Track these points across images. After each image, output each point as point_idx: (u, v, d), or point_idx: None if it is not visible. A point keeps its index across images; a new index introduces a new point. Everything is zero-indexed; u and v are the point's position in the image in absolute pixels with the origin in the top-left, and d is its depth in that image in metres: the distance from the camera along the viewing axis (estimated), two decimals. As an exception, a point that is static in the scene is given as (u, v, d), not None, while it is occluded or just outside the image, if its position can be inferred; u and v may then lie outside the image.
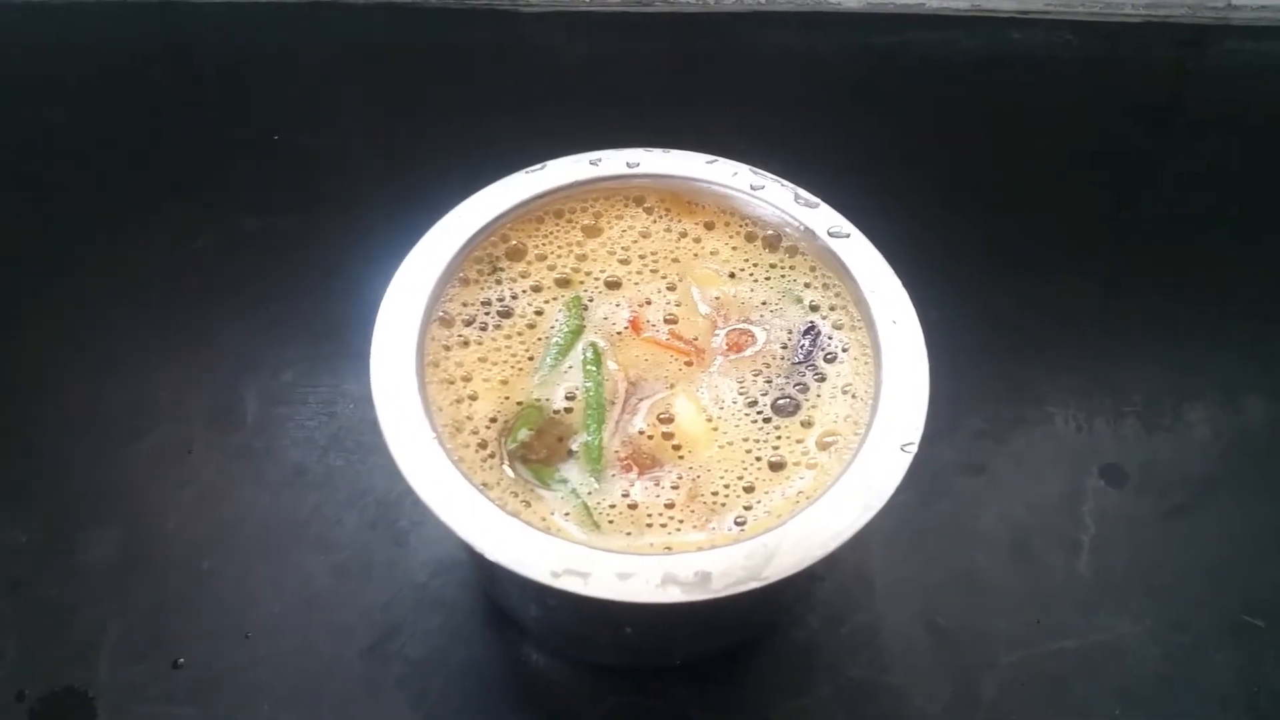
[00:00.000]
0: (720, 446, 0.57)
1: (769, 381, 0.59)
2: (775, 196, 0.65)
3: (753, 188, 0.65)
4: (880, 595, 0.70)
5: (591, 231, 0.65)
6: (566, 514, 0.54)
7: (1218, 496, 0.76)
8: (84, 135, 1.00)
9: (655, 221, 0.66)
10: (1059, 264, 0.92)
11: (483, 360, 0.59)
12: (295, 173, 0.96)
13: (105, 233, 0.90)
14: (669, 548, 0.52)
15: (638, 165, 0.66)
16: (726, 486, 0.55)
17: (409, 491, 0.51)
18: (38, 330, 0.83)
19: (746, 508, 0.54)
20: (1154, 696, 0.67)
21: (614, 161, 0.66)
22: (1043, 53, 1.12)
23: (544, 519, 0.53)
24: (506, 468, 0.55)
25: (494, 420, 0.57)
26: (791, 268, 0.64)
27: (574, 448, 0.56)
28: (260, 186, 0.95)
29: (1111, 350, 0.85)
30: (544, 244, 0.65)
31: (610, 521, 0.54)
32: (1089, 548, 0.73)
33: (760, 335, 0.61)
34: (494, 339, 0.60)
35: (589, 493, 0.55)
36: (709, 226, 0.66)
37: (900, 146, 1.02)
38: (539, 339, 0.60)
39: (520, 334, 0.61)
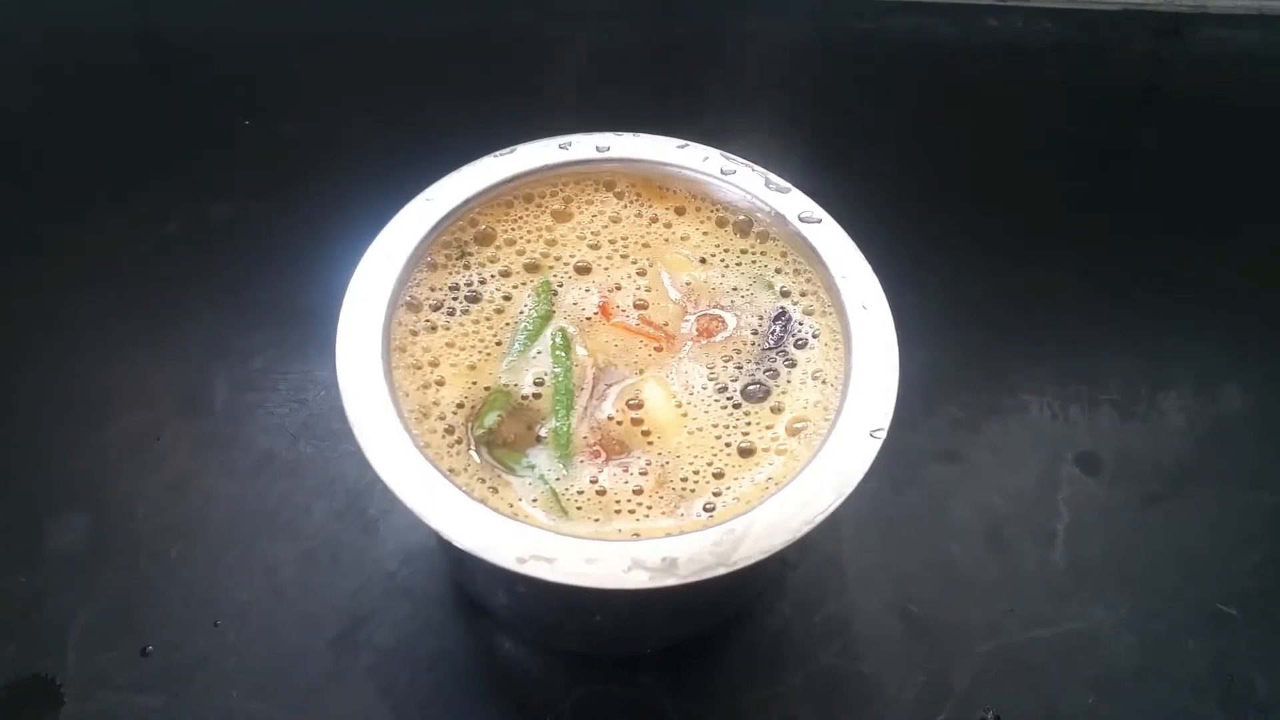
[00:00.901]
0: (690, 432, 0.56)
1: (739, 367, 0.59)
2: (746, 181, 0.64)
3: (724, 172, 0.64)
4: (853, 583, 0.70)
5: (561, 216, 0.65)
6: (534, 500, 0.53)
7: (1193, 485, 0.76)
8: (51, 120, 1.00)
9: (625, 206, 0.66)
10: (1035, 252, 0.91)
11: (450, 345, 0.59)
12: (265, 158, 0.96)
13: (73, 218, 0.89)
14: (637, 534, 0.52)
15: (608, 149, 0.65)
16: (696, 473, 0.55)
17: (379, 480, 0.51)
18: (3, 316, 0.82)
19: (715, 494, 0.54)
20: (1128, 685, 0.67)
21: (584, 145, 0.65)
22: (1020, 40, 1.12)
23: (511, 505, 0.53)
24: (473, 453, 0.55)
25: (461, 406, 0.56)
26: (762, 253, 0.64)
27: (542, 434, 0.56)
28: (230, 172, 0.95)
29: (1087, 339, 0.85)
30: (513, 228, 0.64)
31: (578, 508, 0.53)
32: (1064, 536, 0.73)
33: (731, 321, 0.61)
34: (462, 324, 0.60)
35: (557, 479, 0.54)
36: (680, 211, 0.66)
37: (875, 134, 1.02)
38: (507, 324, 0.60)
39: (488, 319, 0.60)
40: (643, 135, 0.66)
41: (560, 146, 0.65)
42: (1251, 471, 0.77)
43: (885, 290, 0.59)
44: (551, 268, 0.63)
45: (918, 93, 1.07)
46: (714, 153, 0.65)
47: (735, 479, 0.54)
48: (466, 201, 0.63)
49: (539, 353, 0.59)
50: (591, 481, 0.54)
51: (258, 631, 0.67)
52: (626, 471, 0.55)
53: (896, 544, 0.72)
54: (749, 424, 0.57)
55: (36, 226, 0.89)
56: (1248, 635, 0.69)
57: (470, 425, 0.56)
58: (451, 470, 0.53)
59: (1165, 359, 0.84)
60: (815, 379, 0.58)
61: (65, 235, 0.88)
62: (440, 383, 0.57)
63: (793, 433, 0.56)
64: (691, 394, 0.58)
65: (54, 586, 0.68)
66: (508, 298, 0.61)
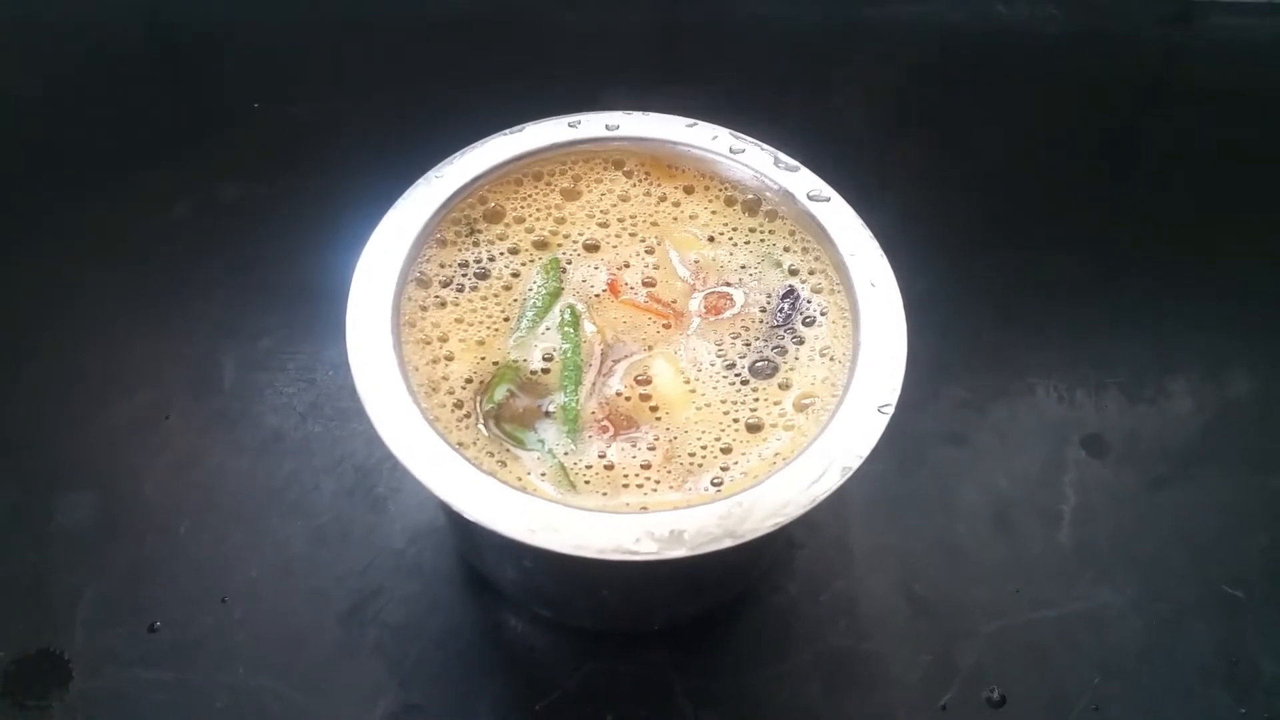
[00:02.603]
0: (698, 408, 0.56)
1: (747, 344, 0.59)
2: (755, 160, 0.64)
3: (733, 151, 0.65)
4: (859, 563, 0.70)
5: (570, 194, 0.65)
6: (543, 474, 0.53)
7: (1199, 468, 0.76)
8: (62, 103, 1.00)
9: (634, 185, 0.66)
10: (1043, 236, 0.92)
11: (459, 321, 0.59)
12: (274, 140, 0.96)
13: (83, 200, 0.90)
14: (645, 507, 0.52)
15: (617, 128, 0.65)
16: (704, 448, 0.55)
17: (387, 458, 0.51)
18: (14, 296, 0.83)
19: (723, 468, 0.54)
20: (1133, 666, 0.67)
21: (593, 124, 0.66)
22: (1028, 26, 1.11)
23: (520, 479, 0.53)
24: (482, 427, 0.55)
25: (470, 380, 0.56)
26: (771, 231, 0.64)
27: (550, 409, 0.56)
28: (239, 153, 0.95)
29: (1094, 322, 0.85)
30: (522, 206, 0.64)
31: (586, 482, 0.53)
32: (1070, 518, 0.73)
33: (739, 298, 0.61)
34: (470, 300, 0.60)
35: (565, 453, 0.54)
36: (688, 190, 0.66)
37: (883, 119, 1.02)
38: (515, 300, 0.60)
39: (497, 295, 0.60)
40: (652, 114, 0.66)
41: (569, 125, 0.65)
42: (1258, 455, 0.77)
43: (896, 274, 0.59)
44: (560, 245, 0.63)
45: (925, 78, 1.07)
46: (723, 131, 0.66)
47: (743, 454, 0.55)
48: (476, 179, 0.63)
49: (547, 329, 0.59)
50: (600, 456, 0.54)
51: (266, 608, 0.67)
52: (635, 446, 0.55)
53: (903, 525, 0.72)
54: (757, 400, 0.57)
55: (46, 208, 0.89)
56: (1254, 618, 0.69)
57: (479, 400, 0.56)
58: (460, 444, 0.53)
59: (1172, 343, 0.84)
60: (823, 356, 0.58)
61: (74, 217, 0.88)
62: (449, 358, 0.57)
63: (800, 409, 0.56)
64: (700, 370, 0.58)
65: (63, 563, 0.69)
66: (516, 274, 0.61)
